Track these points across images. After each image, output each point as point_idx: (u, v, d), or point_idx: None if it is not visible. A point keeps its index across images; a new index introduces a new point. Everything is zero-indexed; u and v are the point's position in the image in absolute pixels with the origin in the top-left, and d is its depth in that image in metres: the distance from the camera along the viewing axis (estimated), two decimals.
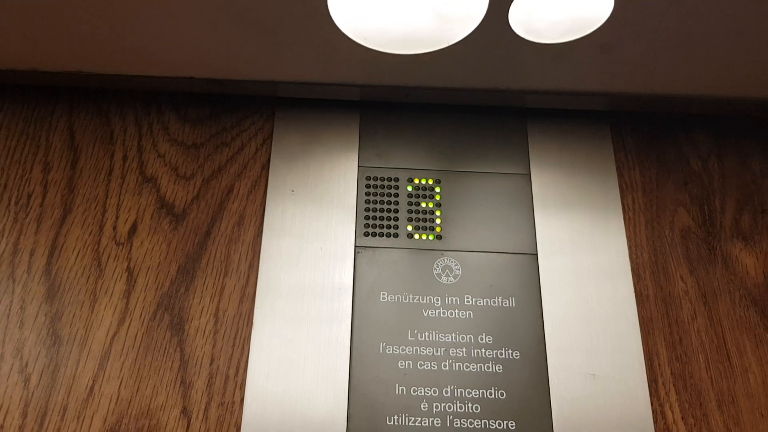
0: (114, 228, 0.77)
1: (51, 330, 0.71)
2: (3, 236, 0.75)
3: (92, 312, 0.72)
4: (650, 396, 0.70)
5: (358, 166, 0.82)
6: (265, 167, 0.81)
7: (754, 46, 0.72)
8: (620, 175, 0.83)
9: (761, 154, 0.86)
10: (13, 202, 0.77)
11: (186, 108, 0.84)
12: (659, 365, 0.72)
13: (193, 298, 0.74)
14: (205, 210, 0.79)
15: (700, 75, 0.78)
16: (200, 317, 0.73)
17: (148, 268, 0.75)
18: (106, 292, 0.73)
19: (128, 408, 0.68)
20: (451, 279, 0.76)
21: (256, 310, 0.73)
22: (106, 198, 0.78)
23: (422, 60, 0.75)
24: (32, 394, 0.68)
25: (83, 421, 0.67)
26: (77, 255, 0.75)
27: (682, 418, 0.70)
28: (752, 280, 0.78)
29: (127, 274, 0.74)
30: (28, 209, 0.77)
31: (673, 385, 0.72)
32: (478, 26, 0.70)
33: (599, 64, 0.77)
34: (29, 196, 0.78)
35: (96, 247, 0.76)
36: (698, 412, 0.71)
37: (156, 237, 0.77)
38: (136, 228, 0.77)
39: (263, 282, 0.74)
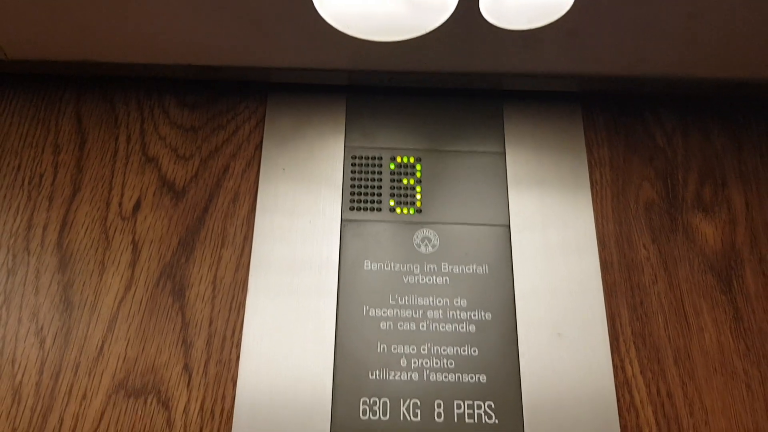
0: (119, 204, 0.83)
1: (63, 296, 0.78)
2: (18, 213, 0.82)
3: (101, 280, 0.79)
4: (611, 353, 0.77)
5: (345, 146, 0.88)
6: (258, 148, 0.87)
7: (710, 28, 0.77)
8: (589, 152, 0.89)
9: (722, 130, 0.91)
10: (26, 181, 0.84)
11: (184, 93, 0.91)
12: (621, 325, 0.79)
13: (193, 267, 0.80)
14: (203, 188, 0.85)
15: (663, 57, 0.83)
16: (199, 284, 0.79)
17: (152, 241, 0.81)
18: (113, 263, 0.80)
19: (135, 365, 0.75)
20: (430, 249, 0.82)
21: (250, 277, 0.79)
22: (112, 177, 0.85)
23: (402, 46, 0.81)
24: (47, 353, 0.75)
25: (94, 377, 0.74)
26: (86, 229, 0.82)
27: (641, 372, 0.76)
28: (710, 248, 0.84)
29: (132, 246, 0.81)
30: (41, 188, 0.84)
31: (633, 343, 0.78)
32: (451, 14, 0.76)
33: (568, 48, 0.82)
34: (41, 176, 0.84)
35: (103, 222, 0.82)
36: (656, 366, 0.77)
37: (158, 212, 0.83)
38: (139, 204, 0.83)
39: (257, 252, 0.81)
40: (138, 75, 0.89)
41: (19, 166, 0.85)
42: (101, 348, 0.75)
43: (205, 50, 0.84)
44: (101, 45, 0.83)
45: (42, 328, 0.76)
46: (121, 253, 0.80)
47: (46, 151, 0.86)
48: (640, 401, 0.75)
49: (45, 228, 0.81)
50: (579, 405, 0.73)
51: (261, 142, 0.88)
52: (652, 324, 0.79)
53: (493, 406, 0.73)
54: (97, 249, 0.80)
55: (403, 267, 0.81)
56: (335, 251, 0.81)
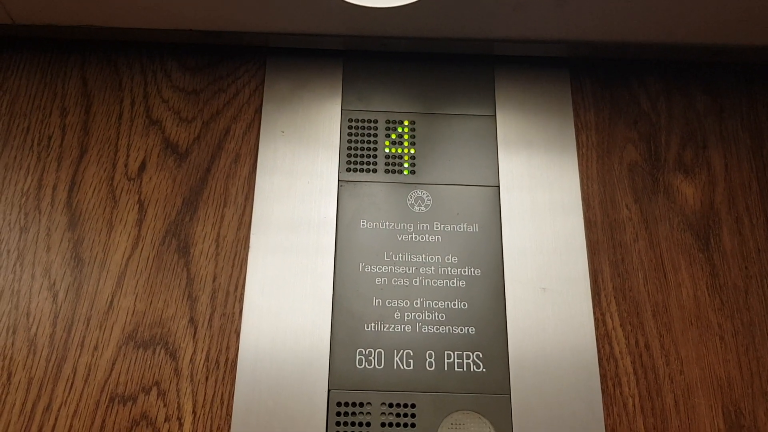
0: (125, 165, 0.87)
1: (74, 253, 0.82)
2: (28, 173, 0.85)
3: (109, 238, 0.83)
4: (593, 306, 0.81)
5: (341, 109, 0.91)
6: (258, 111, 0.91)
7: None
8: (576, 116, 0.92)
9: (705, 95, 0.95)
10: (35, 143, 0.87)
11: (186, 58, 0.93)
12: (602, 281, 0.83)
13: (197, 225, 0.84)
14: (205, 149, 0.88)
15: (649, 23, 0.86)
16: (203, 242, 0.83)
17: (157, 200, 0.85)
18: (120, 221, 0.84)
19: (143, 318, 0.79)
20: (423, 208, 0.86)
21: (252, 235, 0.83)
22: (118, 139, 0.88)
23: (397, 12, 0.84)
24: (60, 307, 0.79)
25: (104, 329, 0.78)
26: (94, 189, 0.85)
27: (621, 324, 0.81)
28: (690, 208, 0.88)
29: (138, 205, 0.85)
30: (50, 149, 0.87)
31: (614, 297, 0.82)
32: None
33: (557, 14, 0.85)
34: (49, 137, 0.88)
35: (110, 182, 0.86)
36: (635, 319, 0.82)
37: (163, 173, 0.87)
38: (144, 165, 0.87)
39: (258, 212, 0.84)
40: (141, 40, 0.92)
41: (28, 128, 0.88)
42: (111, 302, 0.80)
43: (206, 15, 0.86)
44: (105, 10, 0.85)
45: (54, 284, 0.80)
46: (128, 212, 0.84)
47: (53, 114, 0.89)
48: (620, 352, 0.80)
49: (54, 188, 0.85)
50: (561, 355, 0.78)
51: (260, 105, 0.91)
52: (632, 280, 0.84)
53: (480, 356, 0.78)
54: (105, 208, 0.84)
55: (398, 226, 0.85)
56: (332, 211, 0.85)
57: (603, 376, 0.78)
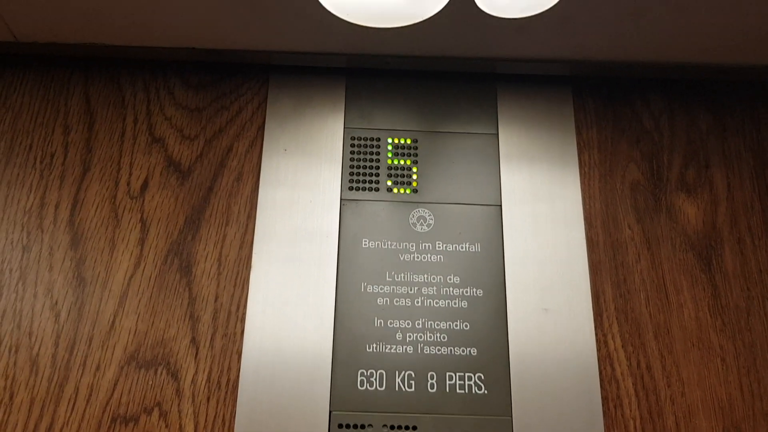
0: (128, 184, 0.87)
1: (76, 273, 0.82)
2: (31, 191, 0.86)
3: (111, 257, 0.83)
4: (595, 328, 0.81)
5: (344, 127, 0.91)
6: (261, 128, 0.91)
7: (696, 15, 0.80)
8: (579, 134, 0.92)
9: (708, 113, 0.95)
10: (38, 161, 0.87)
11: (189, 76, 0.93)
12: (604, 301, 0.83)
13: (199, 244, 0.84)
14: (207, 167, 0.88)
15: (652, 43, 0.86)
16: (205, 261, 0.83)
17: (159, 219, 0.85)
18: (123, 240, 0.84)
19: (145, 338, 0.79)
20: (425, 228, 0.86)
21: (254, 255, 0.83)
22: (120, 157, 0.88)
23: (400, 32, 0.84)
24: (62, 327, 0.79)
25: (107, 349, 0.79)
26: (96, 208, 0.85)
27: (623, 346, 0.81)
28: (692, 228, 0.88)
29: (140, 224, 0.85)
30: (52, 167, 0.87)
31: (616, 318, 0.82)
32: (447, 3, 0.79)
33: (559, 34, 0.85)
34: (52, 156, 0.88)
35: (113, 201, 0.86)
36: (637, 341, 0.82)
37: (165, 191, 0.87)
38: (147, 184, 0.87)
39: (260, 230, 0.85)
40: (144, 57, 0.92)
41: (30, 146, 0.88)
42: (113, 322, 0.80)
43: (209, 34, 0.87)
44: (108, 28, 0.86)
45: (56, 303, 0.80)
46: (131, 231, 0.84)
47: (56, 131, 0.89)
48: (621, 373, 0.80)
49: (57, 206, 0.85)
50: (563, 377, 0.78)
51: (263, 122, 0.91)
52: (634, 300, 0.84)
53: (482, 377, 0.78)
54: (107, 227, 0.84)
55: (400, 245, 0.85)
56: (335, 230, 0.85)
57: (605, 398, 0.78)
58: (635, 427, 0.77)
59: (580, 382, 0.78)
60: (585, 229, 0.86)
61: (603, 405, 0.78)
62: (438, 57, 0.90)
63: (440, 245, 0.85)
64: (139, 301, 0.81)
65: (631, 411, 0.78)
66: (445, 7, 0.80)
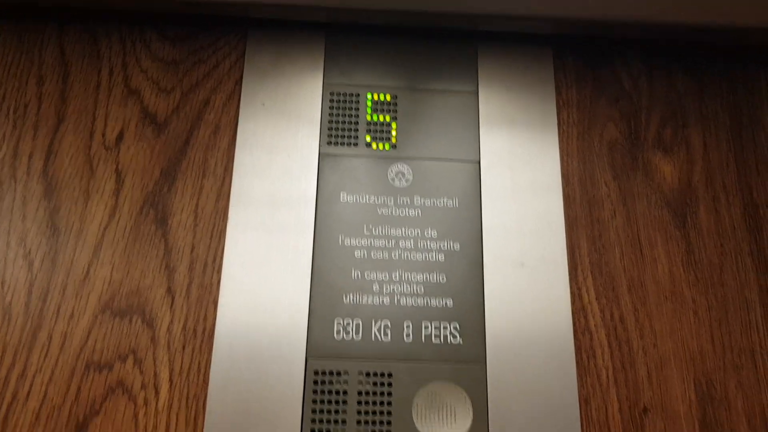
0: (103, 135, 0.86)
1: (50, 222, 0.81)
2: (4, 141, 0.84)
3: (86, 207, 0.82)
4: (570, 281, 0.82)
5: (323, 83, 0.90)
6: (239, 83, 0.90)
7: None
8: (558, 93, 0.93)
9: (686, 76, 0.95)
10: (11, 111, 0.86)
11: (166, 28, 0.92)
12: (579, 256, 0.84)
13: (175, 196, 0.83)
14: (184, 120, 0.88)
15: (631, 1, 0.86)
16: (182, 213, 0.83)
17: (134, 171, 0.84)
18: (97, 191, 0.83)
19: (120, 288, 0.79)
20: (403, 183, 0.86)
21: (230, 207, 0.83)
22: (95, 108, 0.87)
23: None
24: (36, 276, 0.79)
25: (81, 298, 0.78)
26: (71, 158, 0.84)
27: (596, 298, 0.82)
28: (668, 185, 0.89)
29: (116, 175, 0.84)
30: (26, 117, 0.86)
31: (591, 272, 0.83)
32: None
33: None
34: (26, 106, 0.86)
35: (87, 152, 0.85)
36: (611, 294, 0.82)
37: (141, 143, 0.86)
38: (122, 135, 0.86)
39: (237, 183, 0.84)
40: (120, 8, 0.90)
41: (4, 96, 0.87)
42: (87, 271, 0.79)
43: None
44: None
45: (30, 252, 0.79)
46: (105, 182, 0.83)
47: (30, 82, 0.88)
48: (594, 325, 0.80)
49: (30, 156, 0.84)
50: (537, 327, 0.79)
51: (241, 77, 0.90)
52: (609, 255, 0.84)
53: (458, 327, 0.78)
54: (81, 177, 0.83)
55: (378, 200, 0.85)
56: (313, 184, 0.85)
57: (578, 348, 0.79)
58: (607, 377, 0.78)
59: (554, 332, 0.79)
60: (562, 185, 0.87)
61: (576, 355, 0.78)
62: (419, 12, 0.89)
63: (418, 200, 0.85)
64: (114, 251, 0.80)
65: (603, 361, 0.79)
66: None
